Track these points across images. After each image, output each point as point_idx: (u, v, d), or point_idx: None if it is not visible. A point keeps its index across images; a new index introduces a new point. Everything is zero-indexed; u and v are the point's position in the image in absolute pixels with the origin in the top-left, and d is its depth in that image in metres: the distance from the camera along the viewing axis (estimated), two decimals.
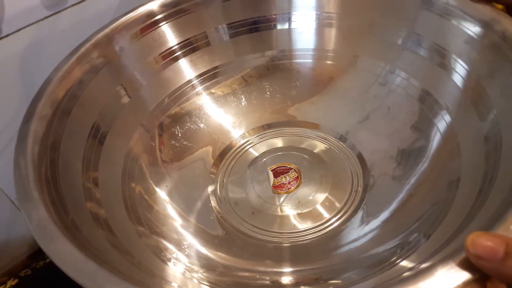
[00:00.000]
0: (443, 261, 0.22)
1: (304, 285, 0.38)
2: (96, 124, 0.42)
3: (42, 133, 0.35)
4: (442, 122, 0.42)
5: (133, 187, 0.43)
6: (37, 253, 0.57)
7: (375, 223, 0.42)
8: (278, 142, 0.55)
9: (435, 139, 0.43)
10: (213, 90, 0.55)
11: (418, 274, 0.22)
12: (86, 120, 0.42)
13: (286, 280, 0.40)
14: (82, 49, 0.43)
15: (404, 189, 0.43)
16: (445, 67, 0.43)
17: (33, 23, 0.45)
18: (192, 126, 0.53)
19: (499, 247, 0.21)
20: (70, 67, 0.41)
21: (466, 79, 0.41)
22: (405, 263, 0.33)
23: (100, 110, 0.43)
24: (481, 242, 0.22)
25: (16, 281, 0.55)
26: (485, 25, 0.39)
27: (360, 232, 0.42)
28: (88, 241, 0.31)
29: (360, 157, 0.50)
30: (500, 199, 0.29)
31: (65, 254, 0.26)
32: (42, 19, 0.46)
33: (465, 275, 0.22)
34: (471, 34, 0.40)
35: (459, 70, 0.41)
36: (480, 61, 0.39)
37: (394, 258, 0.35)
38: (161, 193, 0.46)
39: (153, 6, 0.48)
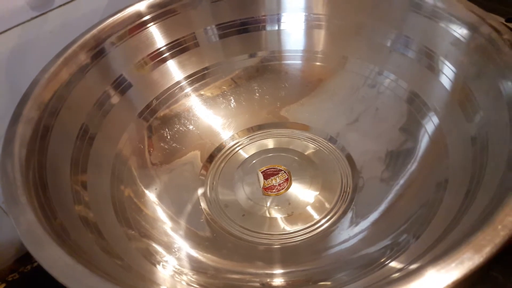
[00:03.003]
0: (433, 262, 0.23)
1: (294, 287, 0.38)
2: (84, 126, 0.42)
3: (29, 136, 0.35)
4: (430, 123, 0.43)
5: (122, 190, 0.43)
6: (24, 257, 0.56)
7: (365, 224, 0.43)
8: (268, 144, 0.55)
9: (423, 141, 0.43)
10: (202, 92, 0.55)
11: (409, 274, 0.23)
12: (74, 123, 0.41)
13: (276, 282, 0.40)
14: (69, 51, 0.42)
15: (393, 190, 0.44)
16: (433, 69, 0.43)
17: (19, 24, 0.44)
18: (181, 128, 0.53)
19: None
20: (57, 68, 0.41)
21: (454, 81, 0.41)
22: (394, 264, 0.34)
23: (88, 112, 0.43)
24: None
25: (3, 285, 0.54)
26: (472, 27, 0.39)
27: (350, 233, 0.43)
28: (77, 245, 0.30)
29: (350, 159, 0.50)
30: (487, 200, 0.29)
31: (54, 259, 0.26)
32: (28, 20, 0.45)
33: (454, 275, 0.22)
34: (458, 36, 0.41)
35: (447, 72, 0.42)
36: (467, 63, 0.40)
37: (384, 259, 0.35)
38: (151, 196, 0.46)
39: (140, 7, 0.48)
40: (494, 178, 0.31)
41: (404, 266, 0.32)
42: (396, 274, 0.31)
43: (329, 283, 0.37)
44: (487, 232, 0.23)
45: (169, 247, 0.41)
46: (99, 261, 0.31)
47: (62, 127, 0.39)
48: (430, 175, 0.40)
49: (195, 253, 0.42)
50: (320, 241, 0.44)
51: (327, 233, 0.44)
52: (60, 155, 0.38)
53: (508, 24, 0.40)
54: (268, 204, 0.48)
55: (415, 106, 0.45)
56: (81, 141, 0.41)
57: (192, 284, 0.38)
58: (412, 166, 0.43)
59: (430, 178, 0.40)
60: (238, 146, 0.55)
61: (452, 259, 0.23)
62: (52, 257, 0.26)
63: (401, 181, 0.44)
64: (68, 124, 0.40)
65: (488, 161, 0.33)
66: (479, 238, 0.23)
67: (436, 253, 0.29)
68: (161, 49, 0.51)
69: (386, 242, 0.38)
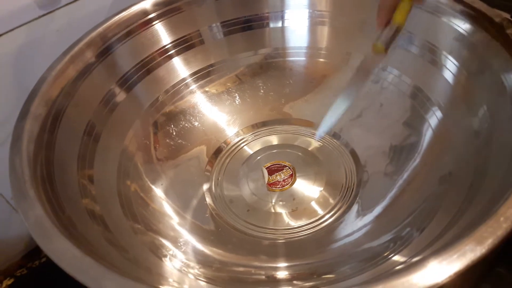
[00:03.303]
0: (435, 253, 0.23)
1: (298, 280, 0.39)
2: (91, 123, 0.42)
3: (37, 132, 0.35)
4: (434, 118, 0.43)
5: (128, 185, 0.43)
6: (32, 253, 0.57)
7: (369, 218, 0.43)
8: (273, 140, 0.55)
9: (427, 135, 0.44)
10: (207, 89, 0.55)
11: (411, 266, 0.23)
12: (80, 119, 0.42)
13: (281, 275, 0.40)
14: (76, 48, 0.43)
15: (397, 184, 0.44)
16: (436, 64, 0.43)
17: (26, 23, 0.45)
18: (186, 125, 0.53)
19: None
20: (64, 66, 0.41)
21: (457, 76, 0.41)
22: (398, 258, 0.34)
23: (95, 108, 0.43)
24: None
25: (12, 280, 0.55)
26: (475, 22, 0.39)
27: (353, 227, 0.43)
28: (84, 237, 0.31)
29: (354, 154, 0.51)
30: (491, 193, 0.30)
31: (62, 251, 0.26)
32: (35, 19, 0.46)
33: (456, 267, 0.22)
34: (461, 31, 0.41)
35: (450, 67, 0.42)
36: (470, 58, 0.40)
37: (387, 253, 0.35)
38: (157, 191, 0.47)
39: (146, 5, 0.48)
40: (497, 171, 0.31)
41: (407, 260, 0.32)
42: (399, 267, 0.31)
43: (333, 276, 0.37)
44: (490, 224, 0.24)
45: (175, 241, 0.42)
46: (105, 253, 0.31)
47: (69, 123, 0.39)
48: (433, 168, 0.41)
49: (200, 247, 0.43)
50: (324, 235, 0.44)
51: (331, 228, 0.45)
52: (67, 150, 0.38)
53: None
54: (273, 199, 0.48)
55: (419, 101, 0.45)
56: (87, 137, 0.41)
57: (199, 278, 0.38)
58: (416, 160, 0.44)
59: (434, 171, 0.40)
60: (243, 142, 0.55)
61: (454, 251, 0.23)
62: (60, 250, 0.27)
63: (405, 175, 0.44)
64: (75, 120, 0.41)
65: (491, 154, 0.34)
66: (482, 230, 0.23)
67: (439, 245, 0.29)
68: (166, 47, 0.51)
69: (390, 235, 0.38)
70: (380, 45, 0.36)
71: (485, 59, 0.38)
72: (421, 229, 0.35)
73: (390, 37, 0.36)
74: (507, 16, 0.45)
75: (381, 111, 0.50)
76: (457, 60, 0.41)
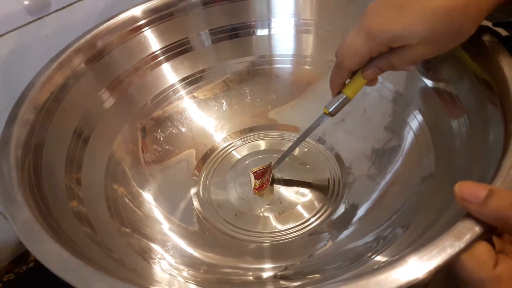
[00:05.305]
0: (415, 249, 0.24)
1: (285, 280, 0.39)
2: (79, 128, 0.43)
3: (24, 137, 0.36)
4: (415, 121, 0.44)
5: (115, 189, 0.44)
6: (20, 258, 0.57)
7: (353, 220, 0.44)
8: (260, 145, 0.56)
9: (408, 138, 0.45)
10: (195, 94, 0.56)
11: (392, 263, 0.23)
12: (68, 124, 0.42)
13: (267, 275, 0.40)
14: (64, 55, 0.43)
15: (380, 186, 0.45)
16: (417, 70, 0.45)
17: (16, 29, 0.45)
18: (174, 131, 0.54)
19: (481, 191, 0.24)
20: (52, 72, 0.41)
21: (436, 81, 0.42)
22: (380, 257, 0.35)
23: (83, 114, 0.44)
24: (467, 185, 0.25)
25: None
26: None
27: (338, 229, 0.44)
28: (71, 240, 0.31)
29: (338, 157, 0.52)
30: None
31: (50, 253, 0.27)
32: (25, 25, 0.46)
33: (436, 262, 0.23)
34: None
35: (430, 73, 0.43)
36: (449, 64, 0.41)
37: (371, 253, 0.36)
38: (145, 195, 0.47)
39: (135, 12, 0.49)
40: (476, 170, 0.32)
41: (389, 259, 0.33)
42: (383, 264, 0.32)
43: (318, 275, 0.38)
44: (468, 221, 0.24)
45: (163, 245, 0.42)
46: (93, 255, 0.32)
47: (57, 128, 0.40)
48: (415, 169, 0.42)
49: (188, 251, 0.43)
50: (310, 237, 0.45)
51: (317, 230, 0.45)
52: (55, 155, 0.39)
53: (495, 28, 0.41)
54: (259, 203, 0.49)
55: (400, 105, 0.47)
56: (76, 141, 0.42)
57: (188, 281, 0.38)
58: (398, 162, 0.45)
59: (416, 172, 0.41)
60: (230, 147, 0.56)
61: (434, 247, 0.23)
62: (48, 251, 0.27)
63: (388, 177, 0.45)
64: (63, 126, 0.41)
65: (471, 154, 0.35)
66: (460, 226, 0.24)
67: (420, 242, 0.30)
68: (156, 53, 0.52)
69: (373, 236, 0.39)
70: (326, 110, 0.41)
71: (463, 65, 0.39)
72: (405, 228, 0.36)
73: (337, 105, 0.40)
74: (489, 24, 0.47)
75: (364, 116, 0.51)
76: (436, 66, 0.42)
